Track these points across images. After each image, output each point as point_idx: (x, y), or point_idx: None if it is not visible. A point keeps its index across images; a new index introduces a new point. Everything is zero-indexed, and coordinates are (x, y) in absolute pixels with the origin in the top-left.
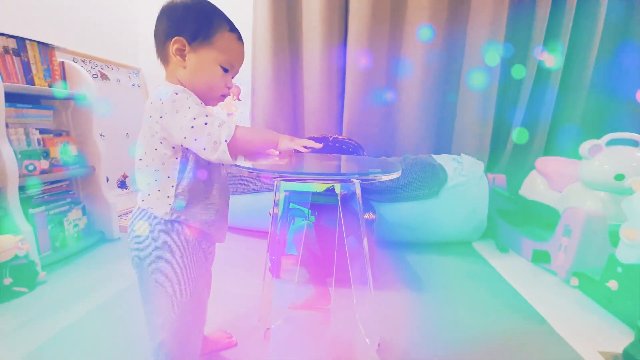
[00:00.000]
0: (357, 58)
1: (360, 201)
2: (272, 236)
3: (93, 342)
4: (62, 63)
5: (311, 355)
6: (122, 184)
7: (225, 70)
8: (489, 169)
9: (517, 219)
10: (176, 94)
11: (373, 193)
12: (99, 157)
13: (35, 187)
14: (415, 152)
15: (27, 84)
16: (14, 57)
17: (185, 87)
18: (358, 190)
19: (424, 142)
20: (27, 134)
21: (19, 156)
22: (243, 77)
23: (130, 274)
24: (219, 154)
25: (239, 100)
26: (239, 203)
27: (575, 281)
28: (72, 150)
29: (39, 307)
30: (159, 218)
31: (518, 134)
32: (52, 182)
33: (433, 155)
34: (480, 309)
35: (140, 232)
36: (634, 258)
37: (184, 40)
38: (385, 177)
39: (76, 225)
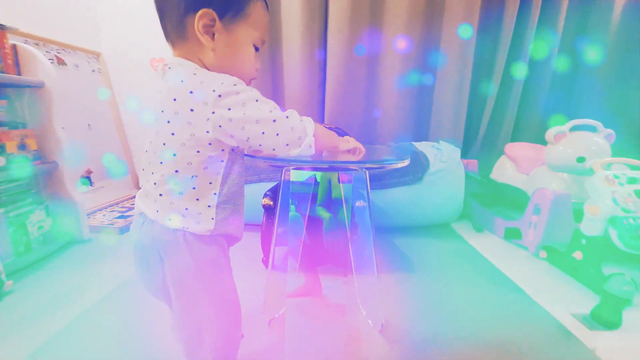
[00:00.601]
0: (337, 46)
1: (369, 189)
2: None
3: (76, 353)
4: (15, 46)
5: (317, 340)
6: (87, 180)
7: (257, 50)
8: (462, 155)
9: (489, 201)
10: (234, 85)
11: (362, 181)
12: (62, 152)
13: None
14: (396, 139)
15: None
16: None
17: (212, 71)
18: (367, 179)
19: (403, 130)
20: None
21: None
22: None
23: (108, 278)
24: (303, 148)
25: None
26: None
27: (543, 254)
28: (32, 144)
29: (10, 321)
30: (197, 234)
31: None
32: (10, 181)
33: (413, 143)
34: (465, 284)
35: (178, 260)
36: (596, 230)
37: (214, 14)
38: (396, 165)
39: (41, 227)
